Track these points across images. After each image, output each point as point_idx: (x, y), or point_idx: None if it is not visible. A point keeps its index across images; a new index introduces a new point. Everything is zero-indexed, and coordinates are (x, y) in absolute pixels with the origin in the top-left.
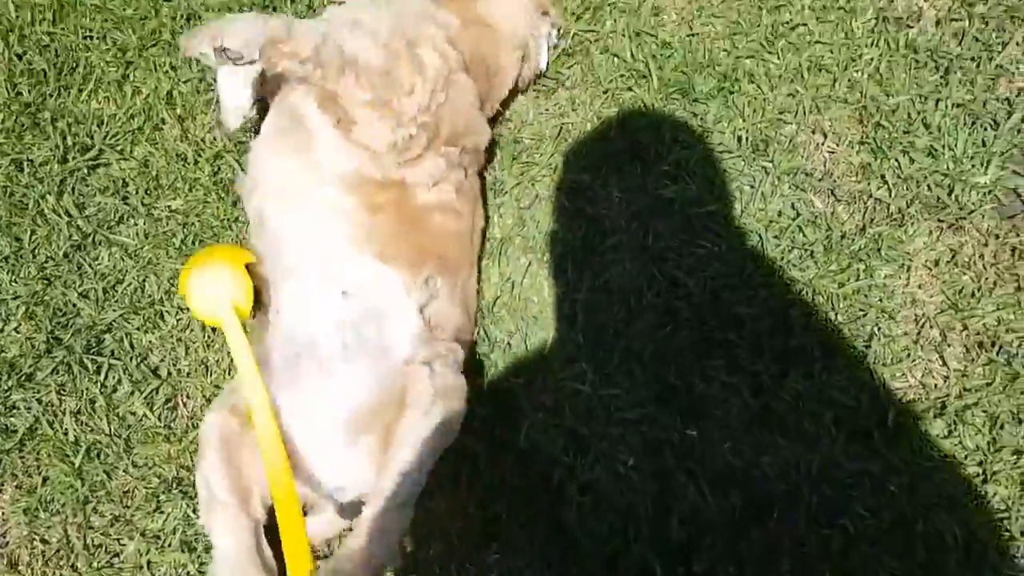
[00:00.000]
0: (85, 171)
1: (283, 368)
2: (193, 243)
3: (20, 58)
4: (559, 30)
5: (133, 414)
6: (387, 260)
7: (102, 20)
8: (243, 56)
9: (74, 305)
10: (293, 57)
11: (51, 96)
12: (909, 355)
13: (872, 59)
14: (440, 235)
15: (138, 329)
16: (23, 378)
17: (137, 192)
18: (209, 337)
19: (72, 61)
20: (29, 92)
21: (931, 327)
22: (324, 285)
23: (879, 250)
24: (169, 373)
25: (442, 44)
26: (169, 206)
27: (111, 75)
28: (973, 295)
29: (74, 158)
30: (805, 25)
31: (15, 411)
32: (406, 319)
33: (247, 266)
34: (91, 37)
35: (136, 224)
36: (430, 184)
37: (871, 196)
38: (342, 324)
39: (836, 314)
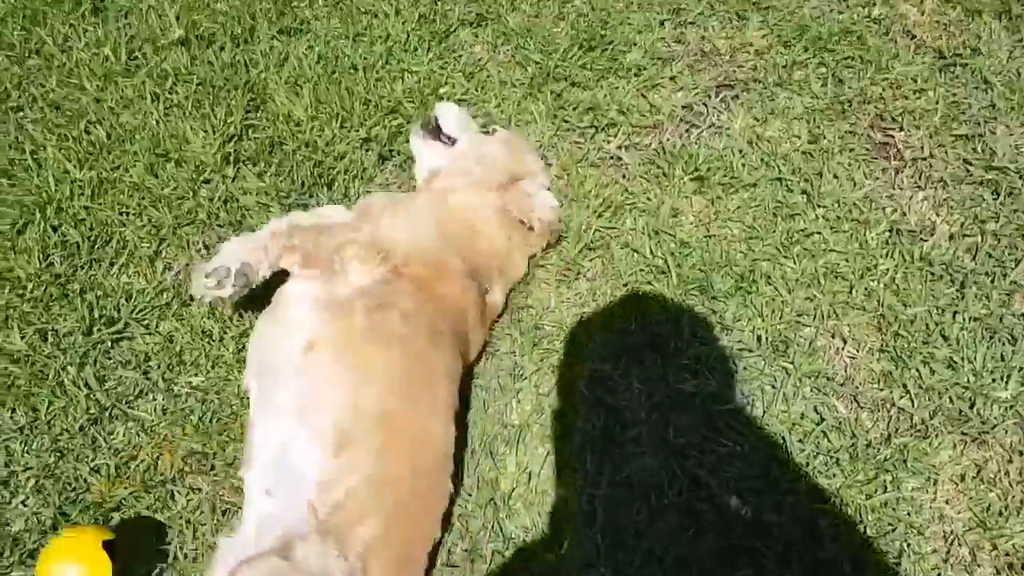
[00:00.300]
0: (109, 344)
1: None
2: (211, 420)
3: (55, 230)
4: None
5: None
6: None
7: (140, 197)
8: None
9: (85, 480)
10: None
11: (82, 268)
12: (940, 575)
13: (888, 269)
14: None
15: (148, 509)
16: (25, 555)
17: (159, 367)
18: (218, 521)
19: (106, 235)
20: (60, 263)
21: (960, 545)
22: None
23: (905, 462)
24: (176, 557)
25: None
26: (190, 382)
27: (143, 250)
28: (1001, 513)
29: (99, 330)
30: (820, 233)
31: None
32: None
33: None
34: (127, 213)
35: (155, 399)
36: None
37: (894, 405)
38: None
39: (865, 527)
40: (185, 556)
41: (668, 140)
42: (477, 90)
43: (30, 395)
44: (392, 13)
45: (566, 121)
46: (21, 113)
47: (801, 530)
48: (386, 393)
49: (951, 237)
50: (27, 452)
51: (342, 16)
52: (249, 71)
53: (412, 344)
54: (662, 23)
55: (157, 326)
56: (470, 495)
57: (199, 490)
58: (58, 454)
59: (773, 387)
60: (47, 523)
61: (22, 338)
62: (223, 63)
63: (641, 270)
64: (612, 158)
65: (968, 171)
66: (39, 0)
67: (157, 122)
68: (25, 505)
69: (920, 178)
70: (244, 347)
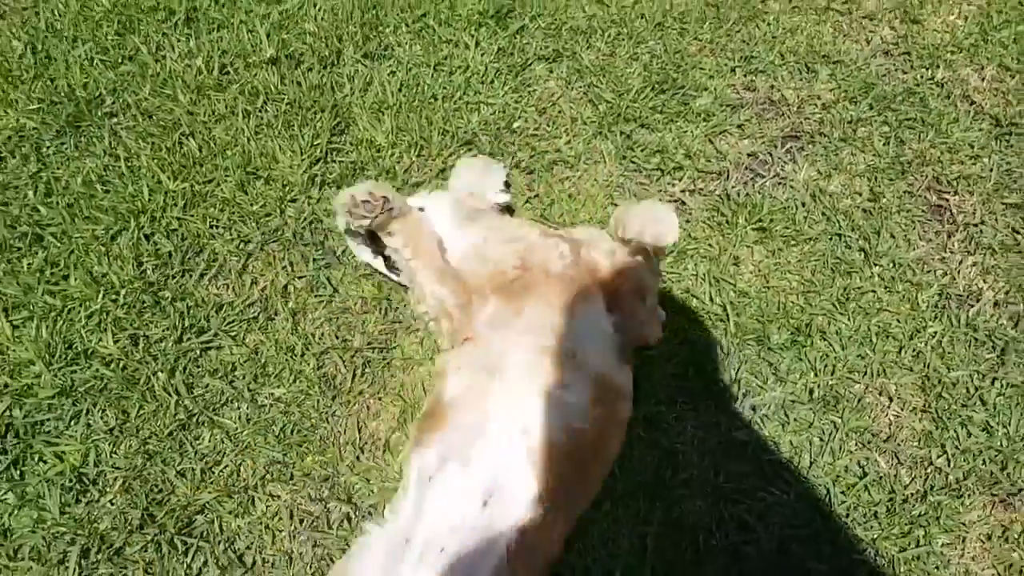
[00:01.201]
0: (198, 352)
1: None
2: (292, 432)
3: (148, 239)
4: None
5: None
6: None
7: (229, 212)
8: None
9: (171, 483)
10: None
11: (173, 278)
12: None
13: (935, 332)
14: None
15: (230, 513)
16: (112, 552)
17: (244, 377)
18: (295, 528)
19: (197, 247)
20: (153, 272)
21: None
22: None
23: (938, 518)
24: (254, 561)
25: None
26: (273, 393)
27: (232, 264)
28: (1021, 572)
29: (189, 339)
30: (874, 292)
31: None
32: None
33: None
34: (217, 227)
35: (239, 408)
36: None
37: (932, 463)
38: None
39: None
40: (264, 562)
41: (733, 187)
42: (548, 125)
43: (121, 398)
44: (472, 44)
45: (633, 162)
46: (115, 119)
47: None
48: None
49: (996, 304)
50: (115, 453)
51: (424, 44)
52: (335, 93)
53: None
54: (733, 70)
55: (244, 338)
56: None
57: (278, 497)
58: (146, 456)
59: (821, 440)
60: (134, 522)
61: (115, 342)
62: (310, 84)
63: (699, 316)
64: (677, 202)
65: (1016, 240)
66: (133, 7)
67: (248, 139)
68: (112, 504)
69: (970, 243)
70: (324, 364)
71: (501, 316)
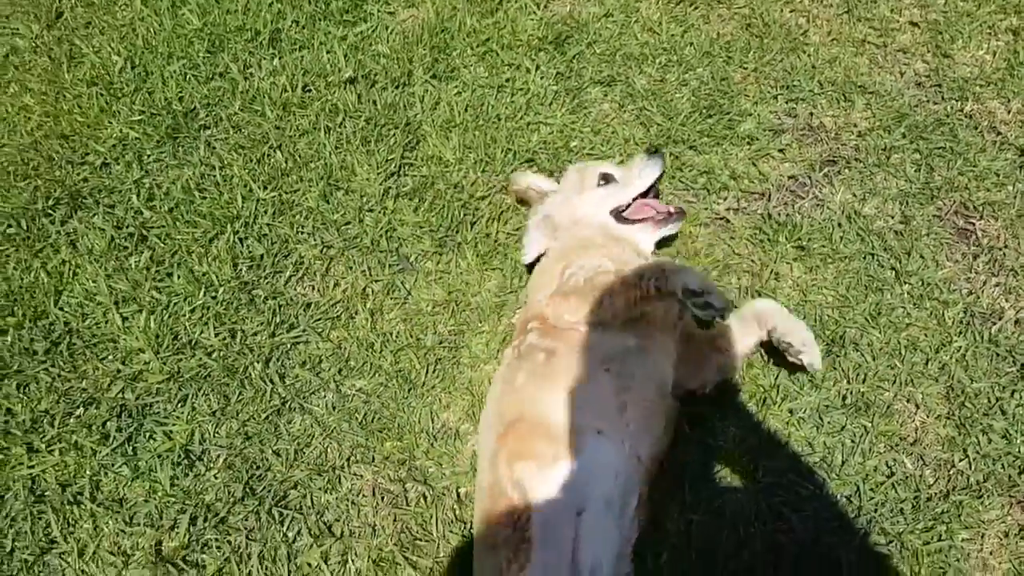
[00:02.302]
0: (288, 346)
1: None
2: (373, 419)
3: (242, 242)
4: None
5: (309, 565)
6: None
7: (314, 220)
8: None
9: (267, 461)
10: None
11: (265, 278)
12: None
13: (960, 347)
14: None
15: (319, 489)
16: (217, 520)
17: (330, 370)
18: (377, 504)
19: (285, 250)
20: (248, 272)
21: None
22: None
23: (960, 516)
24: (342, 532)
25: None
26: (355, 384)
27: (316, 267)
28: None
29: (280, 334)
30: (904, 308)
31: (207, 549)
32: None
33: None
34: (303, 232)
35: (326, 397)
36: None
37: (954, 466)
38: None
39: (920, 568)
40: (351, 533)
41: (774, 208)
42: (603, 145)
43: (222, 384)
44: (533, 68)
45: (682, 181)
46: (209, 131)
47: (868, 569)
48: None
49: (1017, 322)
50: (218, 433)
51: (488, 67)
52: (407, 112)
53: None
54: (775, 97)
55: (329, 334)
56: None
57: (361, 476)
58: (245, 437)
59: (852, 441)
60: (236, 495)
61: (216, 335)
62: (385, 103)
63: None
64: (722, 219)
65: None
66: (221, 26)
67: (329, 153)
68: (216, 478)
69: (995, 265)
70: (400, 360)
71: None
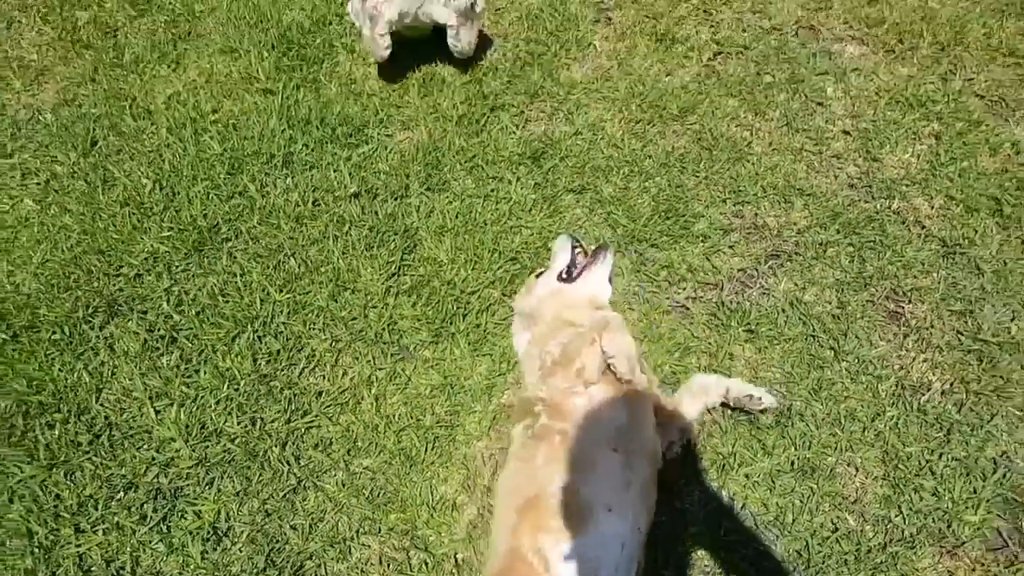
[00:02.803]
0: (303, 431)
1: None
2: (379, 494)
3: (261, 340)
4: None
5: None
6: None
7: (324, 317)
8: None
9: (285, 535)
10: None
11: (282, 370)
12: None
13: (893, 416)
14: None
15: (332, 559)
16: None
17: (339, 450)
18: (384, 571)
19: (299, 345)
20: (266, 365)
21: None
22: None
23: (896, 565)
24: None
25: None
26: (362, 463)
27: (326, 358)
28: None
29: (295, 420)
30: (843, 383)
31: None
32: None
33: None
34: (314, 328)
35: (336, 475)
36: None
37: (891, 521)
38: None
39: None
40: None
41: (727, 296)
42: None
43: (245, 467)
44: (514, 180)
45: (646, 275)
46: (230, 243)
47: None
48: None
49: (943, 393)
50: (241, 511)
51: (475, 179)
52: (405, 220)
53: None
54: (724, 200)
55: (338, 419)
56: None
57: (369, 547)
58: (265, 514)
59: (801, 502)
60: (259, 566)
61: (238, 423)
62: (385, 213)
63: None
64: (682, 307)
65: (960, 341)
66: (239, 151)
67: (337, 259)
68: (241, 551)
69: (922, 343)
70: (402, 439)
71: None
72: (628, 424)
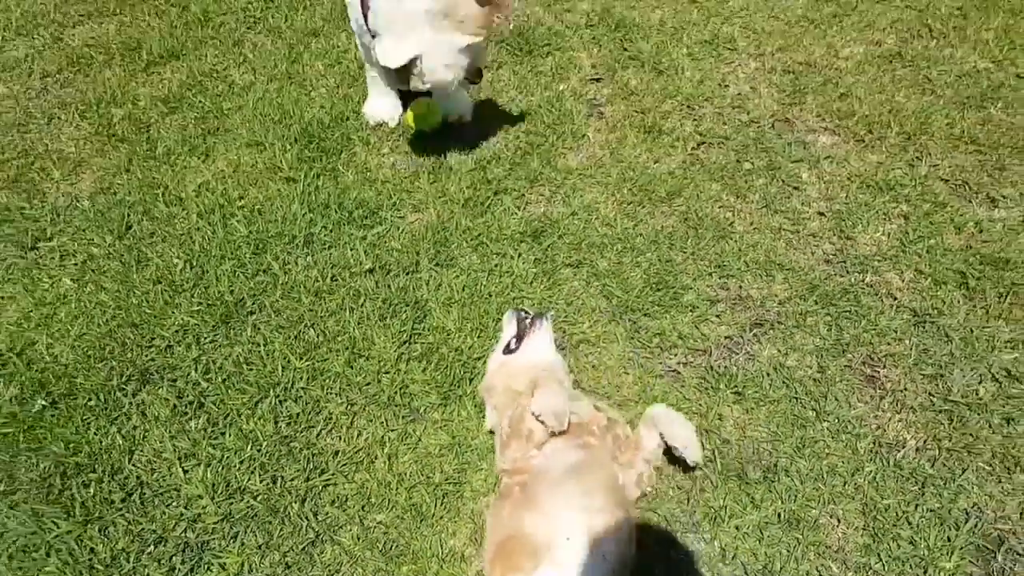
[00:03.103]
0: (320, 488)
1: None
2: (391, 547)
3: (282, 404)
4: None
5: None
6: None
7: (340, 383)
8: None
9: None
10: None
11: (301, 432)
12: None
13: (871, 471)
14: None
15: None
16: None
17: (354, 506)
18: None
19: (317, 408)
20: (287, 428)
21: None
22: None
23: None
24: None
25: None
26: (376, 518)
27: (342, 420)
28: None
29: (313, 478)
30: (824, 441)
31: None
32: None
33: None
34: (331, 393)
35: (352, 530)
36: None
37: (871, 568)
38: None
39: None
40: None
41: (715, 361)
42: (574, 314)
43: (266, 523)
44: (516, 256)
45: (640, 342)
46: (255, 316)
47: None
48: None
49: (917, 450)
50: (263, 563)
51: (480, 256)
52: (415, 292)
53: None
54: (710, 274)
55: (353, 476)
56: None
57: None
58: (285, 566)
59: (788, 551)
60: None
61: (261, 481)
62: (397, 286)
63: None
64: (673, 371)
65: (932, 402)
66: (264, 233)
67: (353, 328)
68: None
69: (897, 405)
70: (413, 496)
71: None
72: (582, 460)
